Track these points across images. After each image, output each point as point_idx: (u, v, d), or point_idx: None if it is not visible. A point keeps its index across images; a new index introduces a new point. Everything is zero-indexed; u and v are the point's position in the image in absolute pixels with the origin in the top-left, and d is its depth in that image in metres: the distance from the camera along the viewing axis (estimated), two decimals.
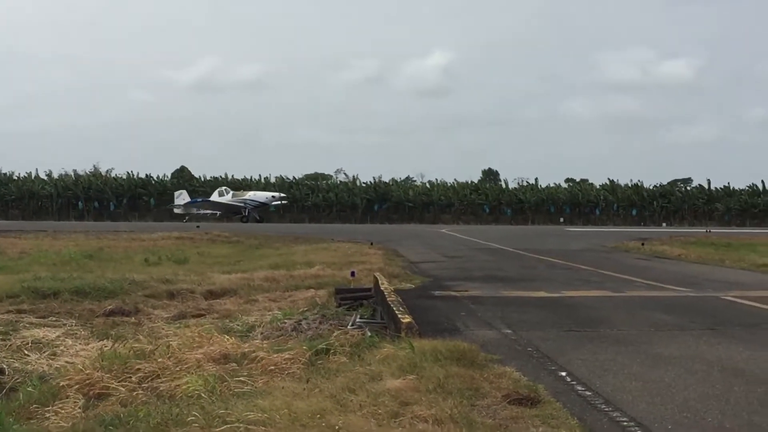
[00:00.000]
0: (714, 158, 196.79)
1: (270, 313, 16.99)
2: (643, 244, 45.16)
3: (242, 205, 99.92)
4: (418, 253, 37.96)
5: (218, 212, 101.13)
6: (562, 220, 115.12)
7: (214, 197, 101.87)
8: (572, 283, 22.84)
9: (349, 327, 13.87)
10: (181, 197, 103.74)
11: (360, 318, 14.93)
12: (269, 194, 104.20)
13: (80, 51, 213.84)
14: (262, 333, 14.39)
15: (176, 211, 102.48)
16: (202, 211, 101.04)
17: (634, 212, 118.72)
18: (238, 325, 15.55)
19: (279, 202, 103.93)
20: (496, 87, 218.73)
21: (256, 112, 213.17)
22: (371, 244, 41.57)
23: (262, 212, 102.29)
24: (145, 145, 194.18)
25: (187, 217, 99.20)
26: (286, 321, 15.24)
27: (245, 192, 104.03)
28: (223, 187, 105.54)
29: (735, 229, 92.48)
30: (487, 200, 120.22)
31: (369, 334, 12.76)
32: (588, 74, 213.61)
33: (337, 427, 7.57)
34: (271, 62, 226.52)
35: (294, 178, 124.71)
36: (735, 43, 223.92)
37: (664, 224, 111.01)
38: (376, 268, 24.05)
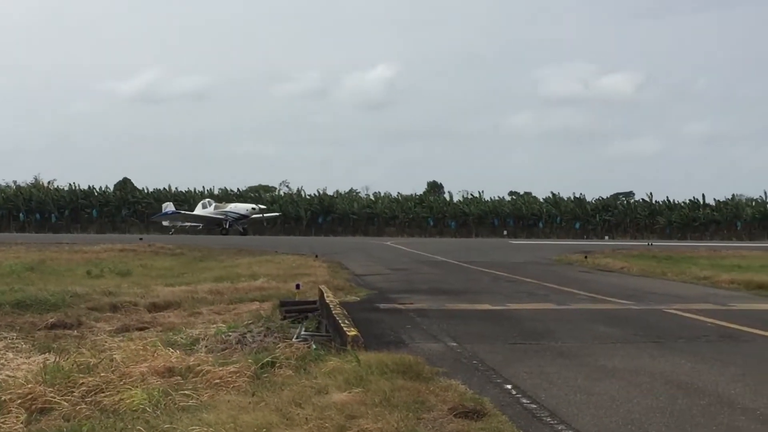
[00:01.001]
0: (655, 172, 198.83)
1: (214, 325, 16.88)
2: (586, 257, 45.53)
3: (223, 217, 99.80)
4: (363, 265, 37.96)
5: (200, 224, 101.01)
6: (505, 233, 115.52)
7: (198, 209, 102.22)
8: (517, 296, 22.96)
9: (294, 340, 13.83)
10: (168, 208, 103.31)
11: (305, 331, 14.91)
12: (249, 206, 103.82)
13: (20, 60, 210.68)
14: (206, 346, 14.26)
15: (164, 223, 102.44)
16: (185, 224, 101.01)
17: (577, 225, 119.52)
18: (182, 338, 15.38)
19: (261, 215, 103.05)
20: (440, 100, 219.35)
21: (200, 124, 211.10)
22: (316, 256, 41.47)
23: (245, 224, 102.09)
24: (88, 157, 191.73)
25: (173, 230, 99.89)
26: (230, 334, 15.14)
27: (227, 204, 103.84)
28: (207, 199, 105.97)
29: (676, 242, 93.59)
30: (431, 213, 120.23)
31: (314, 347, 12.75)
32: (531, 88, 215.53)
33: None
34: (214, 74, 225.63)
35: (238, 190, 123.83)
36: (675, 58, 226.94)
37: (606, 237, 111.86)
38: (322, 281, 24.03)
